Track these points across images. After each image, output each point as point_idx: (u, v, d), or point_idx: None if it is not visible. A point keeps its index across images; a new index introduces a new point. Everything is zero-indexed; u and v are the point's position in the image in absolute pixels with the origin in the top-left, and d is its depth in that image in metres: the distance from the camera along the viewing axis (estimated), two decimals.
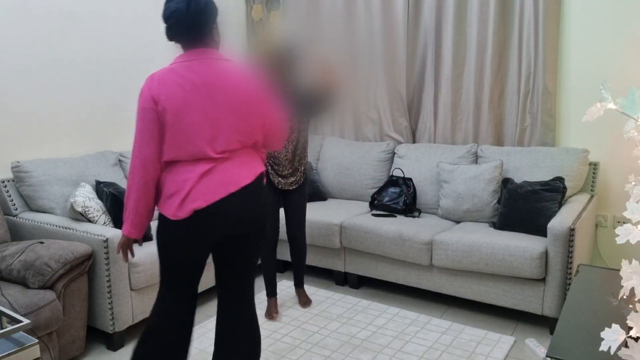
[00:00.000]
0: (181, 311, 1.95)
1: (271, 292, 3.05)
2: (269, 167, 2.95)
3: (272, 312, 2.98)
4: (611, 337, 1.26)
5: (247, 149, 1.93)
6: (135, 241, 2.02)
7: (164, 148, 1.84)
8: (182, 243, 1.84)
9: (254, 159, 1.95)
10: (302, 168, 3.00)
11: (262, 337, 2.75)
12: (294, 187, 2.98)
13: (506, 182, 3.15)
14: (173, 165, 1.84)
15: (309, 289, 3.40)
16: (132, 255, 2.01)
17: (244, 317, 2.00)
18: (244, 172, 1.88)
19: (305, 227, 3.14)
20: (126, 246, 1.97)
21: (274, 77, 2.98)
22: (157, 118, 1.82)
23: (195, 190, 1.80)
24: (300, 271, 3.20)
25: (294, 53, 2.93)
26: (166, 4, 1.88)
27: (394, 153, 3.78)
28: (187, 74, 1.84)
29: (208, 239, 1.86)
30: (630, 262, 1.36)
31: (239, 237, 1.92)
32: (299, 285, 3.22)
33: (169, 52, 3.82)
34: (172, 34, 1.88)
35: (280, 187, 2.95)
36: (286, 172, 2.95)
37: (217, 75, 1.85)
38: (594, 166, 3.19)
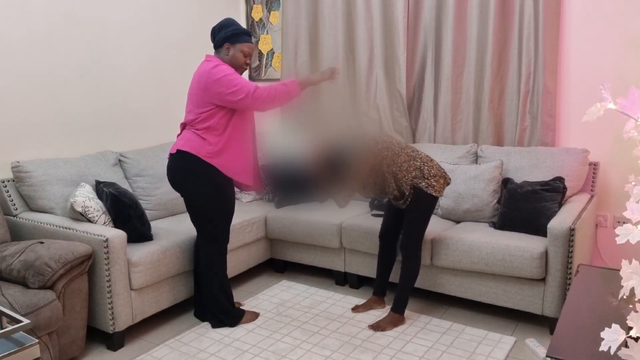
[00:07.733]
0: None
1: (374, 291, 3.12)
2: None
3: (358, 308, 3.08)
4: (611, 337, 1.25)
5: (191, 129, 2.71)
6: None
7: None
8: None
9: (189, 138, 2.69)
10: (406, 192, 2.74)
11: (262, 337, 2.76)
12: (403, 207, 2.80)
13: (506, 182, 3.15)
14: None
15: (309, 289, 3.40)
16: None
17: (200, 250, 2.88)
18: (178, 143, 2.73)
19: (411, 246, 2.81)
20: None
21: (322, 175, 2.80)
22: None
23: None
24: (398, 293, 2.86)
25: (340, 158, 2.75)
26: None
27: None
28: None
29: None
30: (630, 262, 1.36)
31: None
32: (392, 309, 2.90)
33: (167, 52, 3.82)
34: None
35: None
36: (391, 195, 2.83)
37: (199, 70, 2.74)
38: (594, 166, 3.19)
